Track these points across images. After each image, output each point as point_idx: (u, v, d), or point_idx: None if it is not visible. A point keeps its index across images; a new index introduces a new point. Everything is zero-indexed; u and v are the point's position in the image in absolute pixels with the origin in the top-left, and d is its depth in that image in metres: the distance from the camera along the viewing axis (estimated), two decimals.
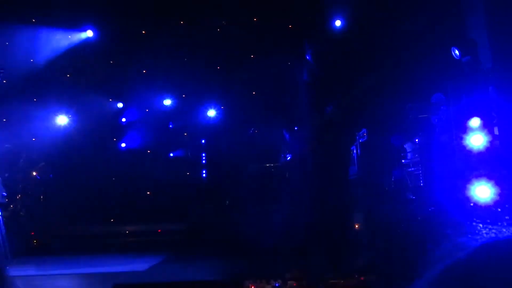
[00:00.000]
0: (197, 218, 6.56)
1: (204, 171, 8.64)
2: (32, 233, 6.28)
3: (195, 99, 8.44)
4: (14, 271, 4.67)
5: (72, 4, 6.68)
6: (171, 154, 8.87)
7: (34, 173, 7.08)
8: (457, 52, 4.50)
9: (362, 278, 3.33)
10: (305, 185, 3.72)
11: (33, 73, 7.24)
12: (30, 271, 4.80)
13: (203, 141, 8.84)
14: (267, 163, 6.95)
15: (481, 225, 2.96)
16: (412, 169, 4.97)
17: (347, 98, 3.59)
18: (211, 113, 8.55)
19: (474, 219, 3.32)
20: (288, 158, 3.95)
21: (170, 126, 8.86)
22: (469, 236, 2.74)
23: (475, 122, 4.07)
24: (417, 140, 4.91)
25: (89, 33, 7.50)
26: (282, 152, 4.29)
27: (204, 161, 8.68)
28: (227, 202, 6.95)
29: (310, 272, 3.60)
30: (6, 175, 6.30)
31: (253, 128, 7.18)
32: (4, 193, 4.97)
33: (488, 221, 3.26)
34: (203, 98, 8.42)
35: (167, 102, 8.58)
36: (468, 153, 4.11)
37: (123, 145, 8.73)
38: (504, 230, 2.97)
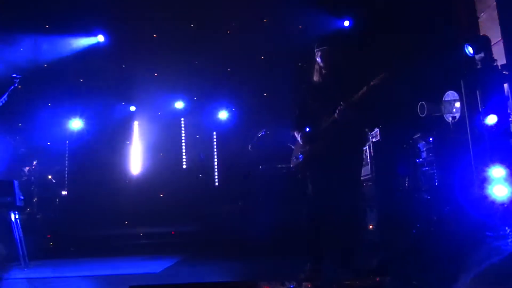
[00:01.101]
0: (210, 220, 6.57)
1: (216, 173, 8.66)
2: (48, 236, 6.38)
3: (206, 101, 8.47)
4: (31, 273, 4.74)
5: (83, 9, 6.77)
6: (184, 156, 8.91)
7: (50, 177, 7.20)
8: (470, 49, 4.44)
9: (377, 279, 3.30)
10: (318, 186, 3.70)
11: (47, 78, 7.36)
12: (47, 273, 4.88)
13: (215, 142, 8.87)
14: (279, 164, 6.94)
15: (507, 228, 2.87)
16: (427, 168, 4.91)
17: (358, 97, 3.57)
18: (223, 114, 8.57)
19: (498, 220, 3.25)
20: (300, 159, 3.94)
21: (182, 128, 8.91)
22: (497, 238, 2.66)
23: (491, 119, 4.00)
24: (431, 139, 4.86)
25: (100, 38, 7.60)
26: (293, 153, 4.28)
27: (216, 163, 8.70)
28: (240, 203, 6.95)
29: (325, 273, 3.59)
30: (23, 179, 6.42)
31: (265, 129, 7.17)
32: (21, 197, 5.07)
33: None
34: (215, 100, 8.44)
35: (179, 104, 8.63)
36: (484, 150, 4.04)
37: (136, 147, 8.80)
38: None
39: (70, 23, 7.14)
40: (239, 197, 7.16)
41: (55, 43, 7.26)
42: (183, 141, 8.90)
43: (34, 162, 6.69)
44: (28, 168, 6.56)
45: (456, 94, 4.77)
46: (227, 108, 8.54)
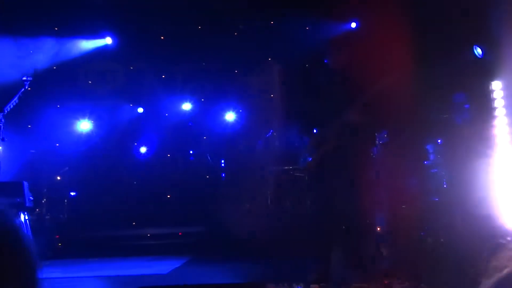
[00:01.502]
0: (217, 221, 6.58)
1: (223, 174, 8.67)
2: (57, 236, 6.42)
3: (213, 103, 8.49)
4: (40, 274, 4.79)
5: (91, 12, 6.82)
6: (191, 158, 8.94)
7: (58, 178, 7.25)
8: (479, 50, 4.41)
9: (385, 282, 3.29)
10: (326, 188, 3.70)
11: (56, 80, 7.43)
12: (55, 273, 4.91)
13: (222, 144, 8.88)
14: (286, 166, 6.93)
15: None
16: (435, 170, 4.89)
17: (366, 99, 3.56)
18: (230, 116, 8.59)
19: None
20: (308, 161, 3.94)
21: (189, 130, 8.93)
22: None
23: (498, 121, 3.98)
24: (439, 140, 4.83)
25: (108, 40, 7.65)
26: (301, 155, 4.28)
27: (223, 164, 8.71)
28: (248, 204, 6.95)
29: (333, 275, 3.58)
30: (32, 180, 6.48)
31: (272, 131, 7.17)
32: (31, 197, 5.11)
33: None
34: (222, 102, 8.46)
35: (186, 106, 8.66)
36: (493, 152, 4.02)
37: (144, 149, 8.84)
38: None
39: (78, 26, 7.20)
40: (247, 198, 7.16)
41: (63, 45, 7.31)
42: (190, 142, 8.92)
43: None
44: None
45: (465, 96, 4.74)
46: (234, 109, 8.55)
